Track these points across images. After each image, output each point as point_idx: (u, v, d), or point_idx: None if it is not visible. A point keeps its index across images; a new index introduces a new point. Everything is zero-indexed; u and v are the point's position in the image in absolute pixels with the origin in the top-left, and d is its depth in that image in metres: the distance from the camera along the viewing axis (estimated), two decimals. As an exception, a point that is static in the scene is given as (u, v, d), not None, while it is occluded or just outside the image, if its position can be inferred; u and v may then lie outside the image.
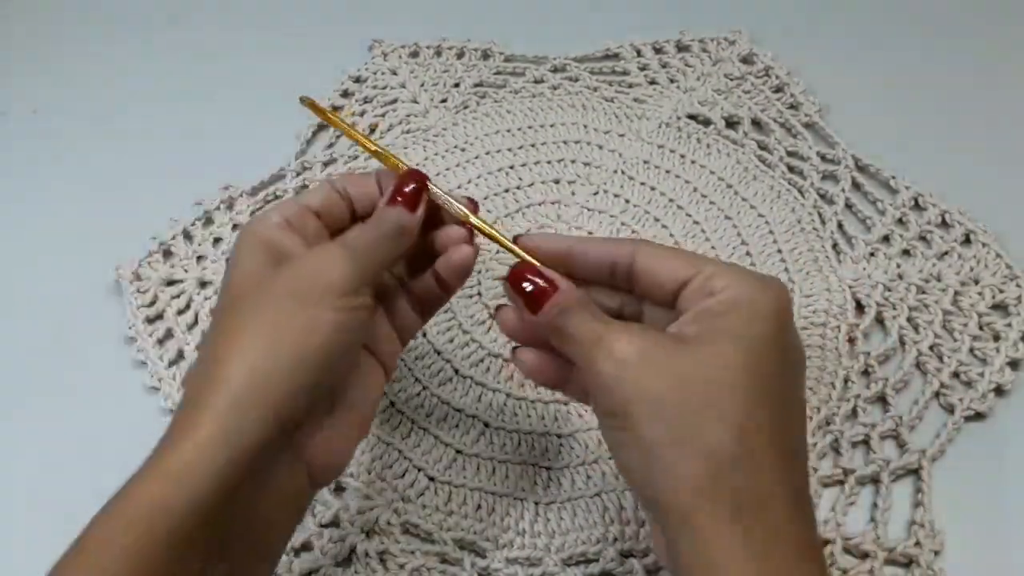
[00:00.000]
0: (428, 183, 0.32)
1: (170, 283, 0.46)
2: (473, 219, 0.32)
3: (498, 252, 0.47)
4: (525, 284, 0.29)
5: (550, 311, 0.28)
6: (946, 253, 0.45)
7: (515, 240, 0.31)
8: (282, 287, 0.29)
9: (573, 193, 0.50)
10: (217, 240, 0.49)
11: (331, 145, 0.54)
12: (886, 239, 0.47)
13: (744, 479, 0.25)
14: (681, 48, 0.59)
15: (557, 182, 0.50)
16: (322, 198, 0.33)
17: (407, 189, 0.31)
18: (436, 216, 0.33)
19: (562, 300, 0.29)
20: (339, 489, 0.38)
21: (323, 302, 0.29)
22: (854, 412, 0.40)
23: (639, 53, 0.59)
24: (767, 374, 0.26)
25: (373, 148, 0.34)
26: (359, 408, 0.32)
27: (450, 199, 0.32)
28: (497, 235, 0.32)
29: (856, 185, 0.50)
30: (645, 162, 0.51)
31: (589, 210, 0.49)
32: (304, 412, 0.28)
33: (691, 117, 0.54)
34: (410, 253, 0.33)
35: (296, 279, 0.29)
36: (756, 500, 0.25)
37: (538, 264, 0.30)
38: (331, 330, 0.28)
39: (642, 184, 0.50)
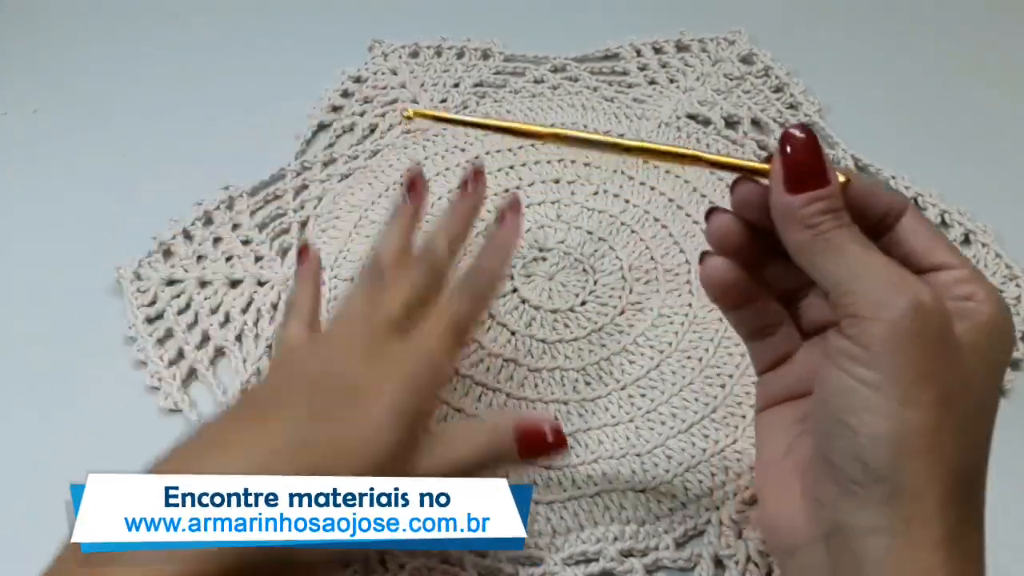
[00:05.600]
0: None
1: (170, 283, 0.46)
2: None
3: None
4: (793, 147, 0.25)
5: (813, 202, 0.24)
6: (946, 253, 0.45)
7: (785, 135, 0.26)
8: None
9: (573, 193, 0.50)
10: (217, 240, 0.49)
11: (331, 145, 0.54)
12: (886, 239, 0.47)
13: (974, 507, 0.25)
14: (681, 48, 0.59)
15: (557, 182, 0.50)
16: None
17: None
18: None
19: (833, 199, 0.25)
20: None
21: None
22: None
23: (639, 53, 0.59)
24: (996, 404, 0.26)
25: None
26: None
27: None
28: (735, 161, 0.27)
29: (856, 185, 0.50)
30: (645, 162, 0.51)
31: (589, 210, 0.49)
32: None
33: (691, 117, 0.54)
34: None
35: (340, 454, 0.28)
36: (975, 530, 0.25)
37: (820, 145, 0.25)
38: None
39: (642, 184, 0.50)
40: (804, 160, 0.25)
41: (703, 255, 0.29)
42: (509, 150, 0.52)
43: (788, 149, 0.25)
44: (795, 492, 0.26)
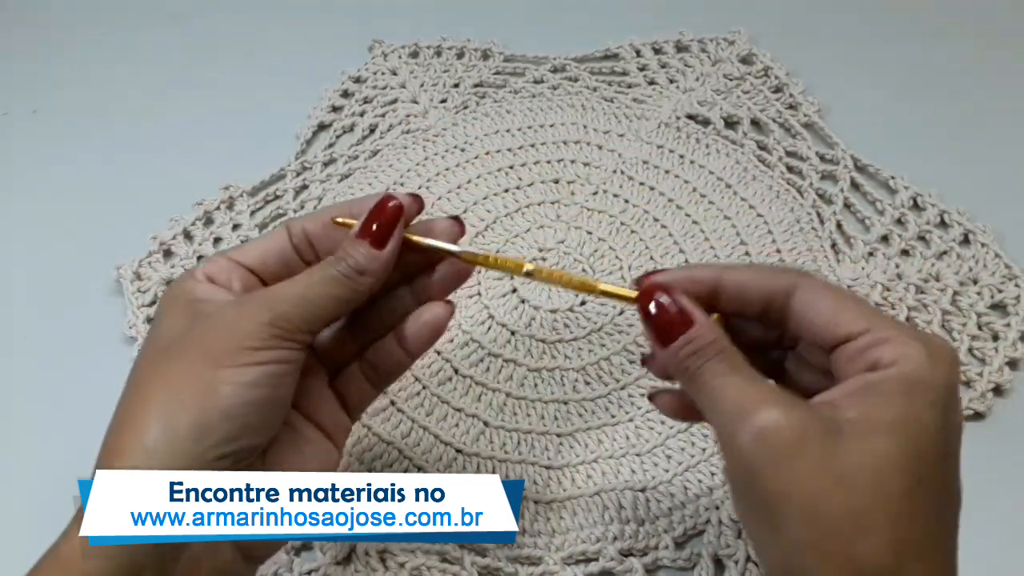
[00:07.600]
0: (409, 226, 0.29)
1: (170, 283, 0.46)
2: (528, 267, 0.30)
3: (498, 250, 0.47)
4: (652, 307, 0.27)
5: (680, 349, 0.26)
6: (945, 253, 0.45)
7: (646, 276, 0.28)
8: (190, 343, 0.27)
9: (573, 193, 0.50)
10: (217, 240, 0.49)
11: (331, 145, 0.54)
12: (885, 239, 0.47)
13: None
14: (680, 48, 0.59)
15: (557, 182, 0.50)
16: (261, 251, 0.31)
17: (377, 221, 0.29)
18: (410, 265, 0.31)
19: (697, 339, 0.26)
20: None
21: (228, 357, 0.26)
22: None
23: (638, 53, 0.59)
24: (928, 474, 0.23)
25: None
26: None
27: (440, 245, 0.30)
28: (578, 280, 0.30)
29: (855, 185, 0.50)
30: (644, 162, 0.51)
31: (589, 210, 0.49)
32: None
33: (690, 117, 0.54)
34: (368, 309, 0.31)
35: (203, 334, 0.27)
36: None
37: (675, 288, 0.27)
38: (234, 388, 0.26)
39: (641, 184, 0.50)
40: (663, 315, 0.27)
41: (651, 396, 0.31)
42: (509, 150, 0.52)
43: (651, 310, 0.27)
44: None
